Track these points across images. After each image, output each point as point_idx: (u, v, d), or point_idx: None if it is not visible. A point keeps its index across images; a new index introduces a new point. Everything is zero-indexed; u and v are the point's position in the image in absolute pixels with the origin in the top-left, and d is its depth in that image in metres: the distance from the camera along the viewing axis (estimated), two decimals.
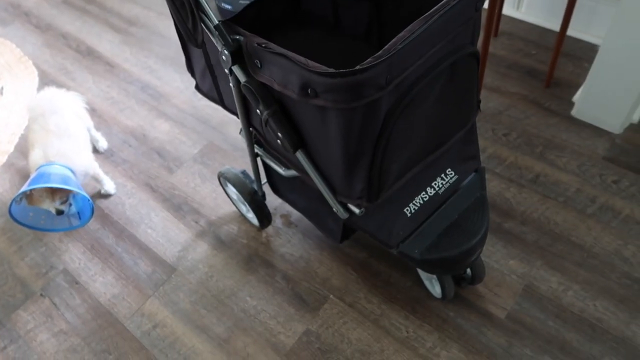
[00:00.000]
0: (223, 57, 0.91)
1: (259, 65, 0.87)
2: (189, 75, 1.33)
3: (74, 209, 1.50)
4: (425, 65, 0.83)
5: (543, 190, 1.47)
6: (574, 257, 1.33)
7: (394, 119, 0.83)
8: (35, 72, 2.07)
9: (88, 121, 1.66)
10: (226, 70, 0.95)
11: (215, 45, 0.92)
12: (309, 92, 0.79)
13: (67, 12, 2.32)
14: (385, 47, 0.75)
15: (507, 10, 1.96)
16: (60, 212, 1.40)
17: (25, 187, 1.32)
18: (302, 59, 0.78)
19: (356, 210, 0.99)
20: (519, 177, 1.51)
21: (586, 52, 1.78)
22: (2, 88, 2.02)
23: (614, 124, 1.56)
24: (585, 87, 1.56)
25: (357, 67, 0.73)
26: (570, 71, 1.75)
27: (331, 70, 0.74)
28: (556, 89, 1.70)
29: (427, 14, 0.78)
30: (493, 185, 1.50)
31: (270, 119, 0.91)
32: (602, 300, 1.24)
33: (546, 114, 1.65)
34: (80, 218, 1.50)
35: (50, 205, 1.38)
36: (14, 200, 1.34)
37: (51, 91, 1.58)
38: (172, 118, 1.82)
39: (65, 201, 1.41)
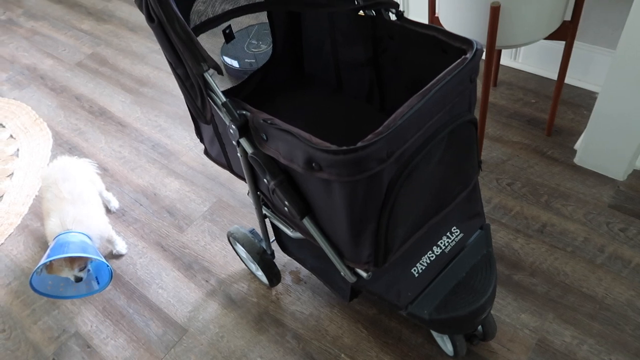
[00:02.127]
0: (231, 130, 0.95)
1: (265, 139, 0.90)
2: None
3: (92, 274, 1.51)
4: (425, 136, 0.86)
5: (551, 240, 1.47)
6: (587, 309, 1.32)
7: (397, 188, 0.85)
8: (50, 134, 2.14)
9: (100, 185, 1.70)
10: (234, 142, 0.98)
11: (223, 119, 0.96)
12: (314, 166, 0.82)
13: (80, 75, 2.42)
14: (385, 122, 0.78)
15: (505, 60, 2.01)
16: (79, 279, 1.42)
17: (45, 259, 1.34)
18: (306, 135, 0.81)
19: (364, 274, 1.00)
20: (525, 227, 1.52)
21: (585, 100, 1.82)
22: (17, 150, 2.09)
23: (617, 171, 1.57)
24: (586, 135, 1.58)
25: (359, 144, 0.76)
26: (571, 119, 1.78)
27: (334, 147, 0.77)
28: (558, 137, 1.73)
29: (424, 89, 0.82)
30: (500, 236, 1.51)
31: (277, 189, 0.94)
32: (617, 355, 1.22)
33: (549, 162, 1.67)
34: (98, 282, 1.51)
35: (69, 274, 1.41)
36: (34, 272, 1.36)
37: (62, 159, 1.63)
38: (182, 176, 1.87)
39: (84, 268, 1.43)
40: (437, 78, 0.83)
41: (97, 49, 2.56)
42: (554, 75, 1.91)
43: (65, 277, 1.43)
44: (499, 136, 1.77)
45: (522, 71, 1.98)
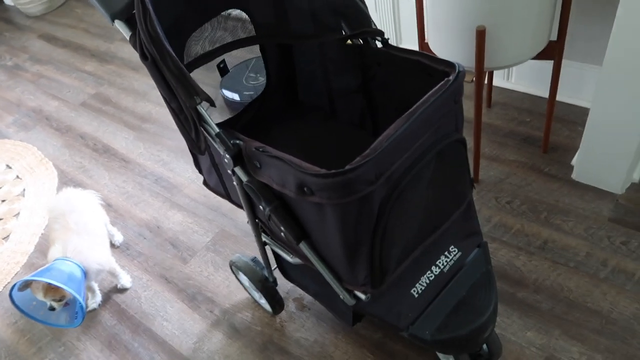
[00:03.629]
0: (225, 159, 0.97)
1: (259, 166, 0.93)
2: None
3: (75, 309, 1.50)
4: (413, 157, 0.88)
5: (553, 257, 1.47)
6: (593, 324, 1.31)
7: (388, 209, 0.87)
8: (55, 173, 2.18)
9: (104, 217, 1.73)
10: (229, 171, 1.01)
11: (218, 149, 0.99)
12: (305, 190, 0.84)
13: (84, 114, 2.48)
14: (372, 145, 0.80)
15: (498, 81, 2.05)
16: (52, 308, 1.43)
17: (28, 276, 1.35)
18: (296, 160, 0.83)
19: (362, 297, 1.01)
20: (527, 244, 1.52)
21: (579, 116, 1.84)
22: (23, 190, 2.13)
23: (615, 184, 1.58)
24: (581, 151, 1.60)
25: (347, 166, 0.78)
26: (566, 135, 1.79)
27: (323, 171, 0.79)
28: (554, 154, 1.75)
29: (409, 111, 0.84)
30: (502, 254, 1.51)
31: (273, 215, 0.96)
32: None
33: (547, 179, 1.68)
34: (76, 318, 1.50)
35: (44, 300, 1.41)
36: (15, 285, 1.37)
37: (69, 191, 1.67)
38: (184, 208, 1.89)
39: (60, 300, 1.42)
40: (421, 100, 0.85)
41: (100, 89, 2.63)
42: (546, 93, 1.94)
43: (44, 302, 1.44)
44: (496, 155, 1.79)
45: (516, 91, 2.01)
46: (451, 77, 0.88)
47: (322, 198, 0.82)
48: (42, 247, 1.87)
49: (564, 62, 1.73)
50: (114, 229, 1.80)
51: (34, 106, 2.62)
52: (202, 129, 0.97)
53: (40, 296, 1.39)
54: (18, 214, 2.03)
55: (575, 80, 1.84)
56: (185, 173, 2.03)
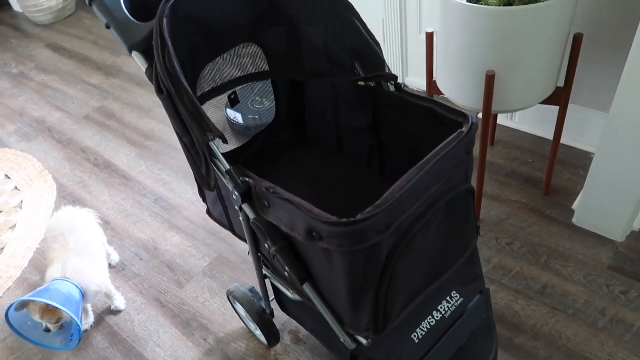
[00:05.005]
0: (234, 196, 0.97)
1: (267, 206, 0.92)
2: None
3: (71, 331, 1.48)
4: (423, 206, 0.88)
5: (552, 302, 1.47)
6: None
7: (396, 258, 0.87)
8: (54, 186, 2.17)
9: (102, 237, 1.71)
10: (236, 207, 1.00)
11: (227, 185, 0.99)
12: (315, 235, 0.83)
13: (88, 128, 2.48)
14: (384, 195, 0.80)
15: (502, 120, 2.07)
16: (47, 330, 1.40)
17: (26, 297, 1.33)
18: (307, 205, 0.83)
19: (363, 341, 1.00)
20: (526, 288, 1.51)
21: (581, 160, 1.86)
22: (21, 202, 2.11)
23: (616, 232, 1.58)
24: (583, 196, 1.61)
25: (359, 216, 0.78)
26: (567, 179, 1.81)
27: (335, 219, 0.79)
28: (555, 197, 1.75)
29: (421, 162, 0.85)
30: (501, 297, 1.50)
31: (278, 255, 0.95)
32: None
33: (548, 222, 1.68)
34: (71, 341, 1.48)
35: (40, 321, 1.39)
36: (12, 305, 1.35)
37: (69, 210, 1.65)
38: (183, 230, 1.88)
39: (57, 322, 1.40)
40: (434, 151, 0.86)
41: (104, 103, 2.63)
42: (549, 135, 1.96)
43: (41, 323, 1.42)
44: (498, 195, 1.80)
45: (519, 131, 2.03)
46: (465, 129, 0.89)
47: (331, 245, 0.82)
48: (37, 262, 1.85)
49: (569, 106, 1.75)
50: (110, 249, 1.78)
51: (37, 116, 2.62)
52: (213, 165, 0.97)
53: (37, 317, 1.37)
54: (14, 226, 2.01)
55: (578, 124, 1.86)
56: (185, 194, 2.03)
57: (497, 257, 1.61)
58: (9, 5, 3.84)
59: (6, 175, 2.26)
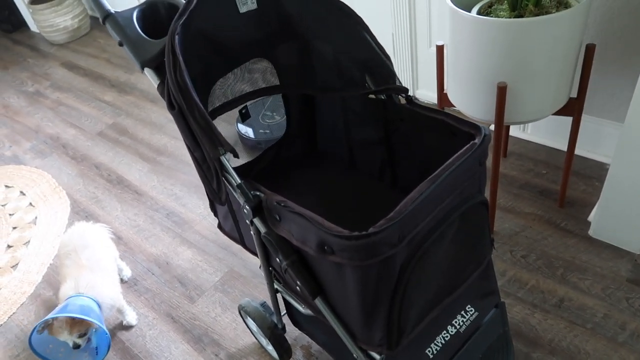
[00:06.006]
0: (245, 210, 0.97)
1: (279, 219, 0.92)
2: None
3: (93, 343, 1.50)
4: (436, 219, 0.87)
5: (569, 316, 1.43)
6: None
7: (409, 271, 0.85)
8: (68, 202, 2.19)
9: (115, 252, 1.72)
10: (247, 221, 1.00)
11: (238, 199, 0.99)
12: (326, 249, 0.83)
13: (101, 144, 2.51)
14: (397, 208, 0.79)
15: (514, 131, 2.05)
16: (77, 346, 1.41)
17: (48, 316, 1.35)
18: (319, 218, 0.82)
19: (377, 357, 0.98)
20: (542, 301, 1.48)
21: (596, 171, 1.83)
22: (35, 218, 2.13)
23: (633, 244, 1.55)
24: (599, 208, 1.58)
25: (371, 229, 0.77)
26: (582, 190, 1.78)
27: (346, 232, 0.78)
28: (571, 209, 1.73)
29: (434, 174, 0.84)
30: (516, 311, 1.47)
31: (290, 269, 0.95)
32: None
33: (563, 234, 1.65)
34: (97, 354, 1.50)
35: (68, 338, 1.40)
36: (35, 329, 1.36)
37: (81, 226, 1.67)
38: (195, 245, 1.88)
39: (84, 335, 1.42)
40: (446, 163, 0.85)
41: (118, 119, 2.67)
42: (562, 146, 1.94)
43: (65, 343, 1.42)
44: (511, 207, 1.77)
45: (532, 142, 2.01)
46: (477, 141, 0.88)
47: (343, 258, 0.81)
48: (50, 278, 1.86)
49: (582, 116, 1.73)
50: (122, 264, 1.79)
51: (52, 133, 2.65)
52: (224, 179, 0.97)
53: (64, 335, 1.38)
54: (28, 242, 2.02)
55: (592, 135, 1.84)
56: (197, 209, 2.03)
57: (512, 270, 1.58)
58: (26, 26, 3.93)
59: (21, 192, 2.29)
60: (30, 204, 2.21)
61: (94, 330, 1.47)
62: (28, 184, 2.33)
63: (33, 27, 3.83)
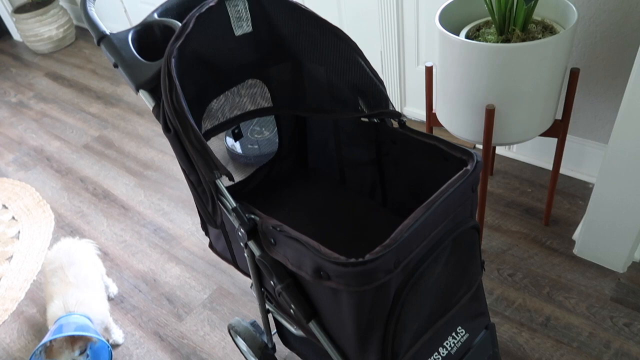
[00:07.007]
0: (239, 233, 0.97)
1: (274, 243, 0.92)
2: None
3: (90, 358, 1.48)
4: (430, 244, 0.88)
5: (555, 335, 1.46)
6: None
7: (404, 296, 0.86)
8: (52, 216, 2.15)
9: (101, 268, 1.70)
10: (241, 244, 1.00)
11: (232, 222, 0.99)
12: (322, 274, 0.83)
13: (86, 157, 2.48)
14: (392, 235, 0.80)
15: (500, 150, 2.09)
16: None
17: (45, 339, 1.32)
18: (315, 244, 0.83)
19: None
20: (529, 320, 1.50)
21: (580, 190, 1.87)
22: (18, 232, 2.09)
23: (617, 263, 1.59)
24: (583, 227, 1.61)
25: (367, 256, 0.78)
26: (567, 209, 1.82)
27: (343, 258, 0.79)
28: (555, 227, 1.76)
29: (428, 200, 0.85)
30: (504, 330, 1.49)
31: (284, 292, 0.95)
32: None
33: (549, 252, 1.68)
34: None
35: (68, 357, 1.38)
36: (33, 354, 1.33)
37: (67, 242, 1.64)
38: (182, 261, 1.86)
39: (84, 351, 1.40)
40: (440, 190, 0.86)
41: (104, 132, 2.64)
42: (547, 165, 1.98)
43: None
44: (498, 225, 1.80)
45: (517, 160, 2.04)
46: (469, 167, 0.90)
47: (339, 284, 0.81)
48: (34, 295, 1.82)
49: (567, 137, 1.77)
50: (109, 280, 1.76)
51: (36, 145, 2.61)
52: (219, 202, 0.97)
53: (64, 355, 1.36)
54: (11, 257, 1.98)
55: (576, 155, 1.88)
56: (185, 225, 2.02)
57: (499, 288, 1.60)
58: (9, 34, 3.87)
59: (3, 205, 2.24)
60: (13, 217, 2.17)
61: (89, 346, 1.45)
62: (11, 197, 2.28)
63: (16, 36, 3.78)
